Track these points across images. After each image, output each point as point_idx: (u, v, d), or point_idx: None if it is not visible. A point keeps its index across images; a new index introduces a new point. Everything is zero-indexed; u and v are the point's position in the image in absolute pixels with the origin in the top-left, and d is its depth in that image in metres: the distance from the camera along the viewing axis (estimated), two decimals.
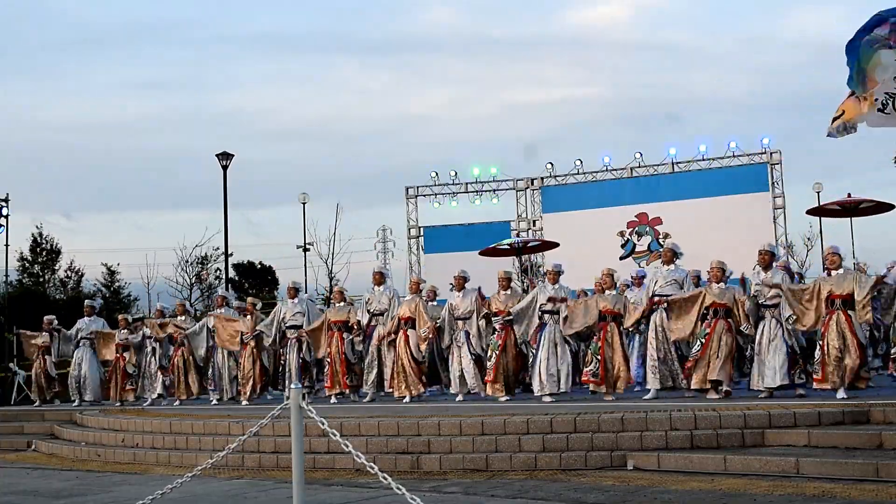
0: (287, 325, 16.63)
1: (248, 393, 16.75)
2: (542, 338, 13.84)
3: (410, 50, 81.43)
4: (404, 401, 14.86)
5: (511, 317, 14.10)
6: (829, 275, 12.35)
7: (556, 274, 14.24)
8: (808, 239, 39.34)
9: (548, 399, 13.53)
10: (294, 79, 79.92)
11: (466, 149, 71.18)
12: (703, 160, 33.20)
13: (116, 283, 47.54)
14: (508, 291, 14.66)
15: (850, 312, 11.96)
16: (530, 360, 14.10)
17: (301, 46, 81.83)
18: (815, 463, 8.62)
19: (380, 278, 16.23)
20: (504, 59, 78.53)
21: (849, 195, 18.66)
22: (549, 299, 13.92)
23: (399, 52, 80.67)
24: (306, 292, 22.07)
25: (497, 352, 14.14)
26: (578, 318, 13.75)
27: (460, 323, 14.94)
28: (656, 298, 13.68)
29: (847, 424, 9.81)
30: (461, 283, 15.19)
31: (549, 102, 72.81)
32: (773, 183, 31.99)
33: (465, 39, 78.12)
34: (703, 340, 12.82)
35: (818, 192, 35.26)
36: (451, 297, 15.27)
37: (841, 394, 11.69)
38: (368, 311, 15.94)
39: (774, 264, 13.14)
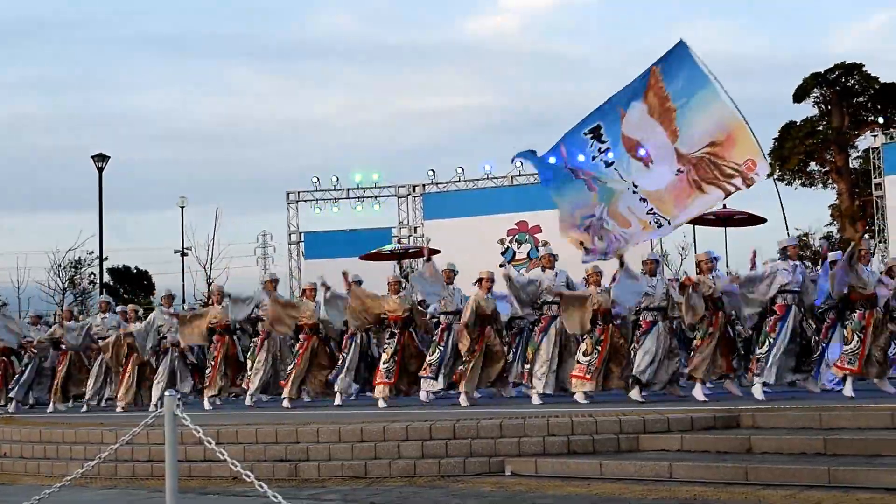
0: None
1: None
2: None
3: (304, 55, 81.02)
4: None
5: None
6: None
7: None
8: (683, 248, 40.31)
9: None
10: (184, 82, 78.74)
11: (353, 155, 71.18)
12: None
13: None
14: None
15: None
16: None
17: (194, 49, 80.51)
18: (687, 467, 8.81)
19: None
20: (396, 66, 78.88)
21: (724, 206, 19.19)
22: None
23: (293, 58, 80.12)
24: (184, 298, 21.58)
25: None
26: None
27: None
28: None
29: (718, 429, 10.06)
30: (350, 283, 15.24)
31: (437, 110, 73.37)
32: None
33: (359, 46, 78.03)
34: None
35: None
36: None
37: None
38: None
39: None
